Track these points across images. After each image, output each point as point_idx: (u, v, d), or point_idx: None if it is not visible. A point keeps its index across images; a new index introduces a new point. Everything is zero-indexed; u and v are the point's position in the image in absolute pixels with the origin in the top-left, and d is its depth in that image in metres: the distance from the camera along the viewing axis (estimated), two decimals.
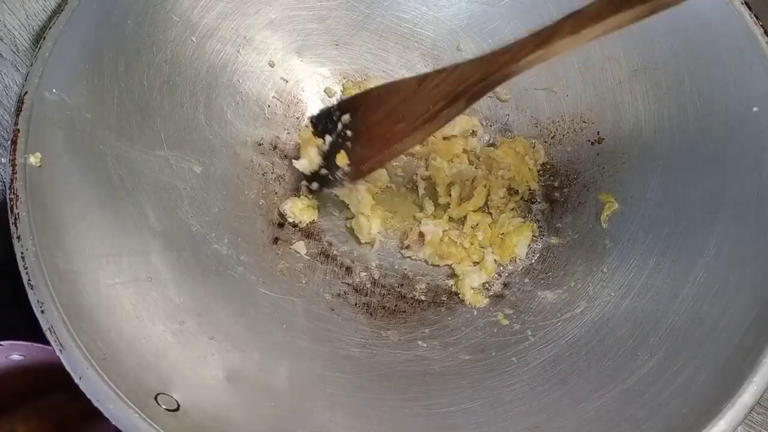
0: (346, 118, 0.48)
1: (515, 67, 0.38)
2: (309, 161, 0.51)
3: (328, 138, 0.50)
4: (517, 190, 0.54)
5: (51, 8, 0.49)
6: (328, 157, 0.50)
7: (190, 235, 0.46)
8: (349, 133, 0.48)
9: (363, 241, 0.53)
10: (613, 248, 0.48)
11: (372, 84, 0.57)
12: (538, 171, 0.55)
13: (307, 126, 0.52)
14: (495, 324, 0.48)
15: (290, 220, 0.52)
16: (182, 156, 0.48)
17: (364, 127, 0.48)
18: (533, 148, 0.55)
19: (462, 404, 0.41)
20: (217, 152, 0.51)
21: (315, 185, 0.52)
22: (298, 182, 0.53)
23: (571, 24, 0.35)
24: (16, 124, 0.38)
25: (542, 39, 0.36)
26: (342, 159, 0.48)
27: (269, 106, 0.55)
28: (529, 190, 0.55)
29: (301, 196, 0.53)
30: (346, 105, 0.50)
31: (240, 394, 0.39)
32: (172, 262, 0.43)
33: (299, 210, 0.52)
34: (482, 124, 0.57)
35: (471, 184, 0.53)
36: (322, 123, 0.50)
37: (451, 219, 0.54)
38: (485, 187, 0.53)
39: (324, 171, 0.50)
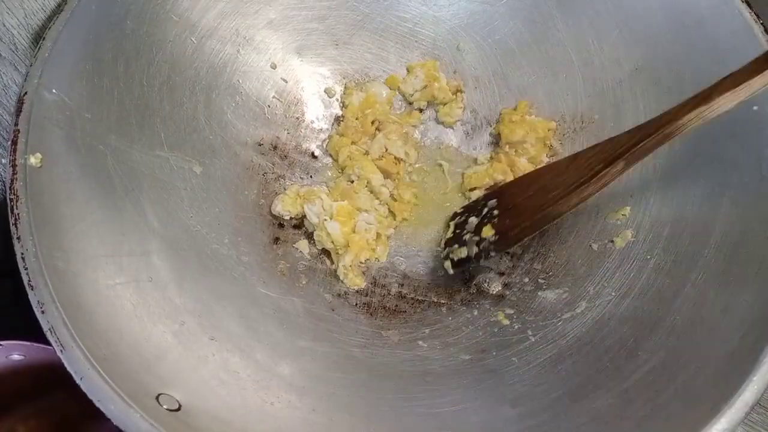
0: (492, 203, 0.48)
1: (674, 127, 0.37)
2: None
3: (473, 219, 0.49)
4: None
5: (50, 7, 0.49)
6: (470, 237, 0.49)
7: (190, 235, 0.46)
8: (495, 212, 0.47)
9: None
10: (614, 248, 0.48)
11: (374, 87, 0.57)
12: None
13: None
14: (495, 324, 0.48)
15: (286, 218, 0.52)
16: (182, 156, 0.48)
17: (513, 204, 0.47)
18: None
19: (463, 404, 0.41)
20: (217, 152, 0.51)
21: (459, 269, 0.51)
22: None
23: (730, 82, 0.35)
24: (16, 124, 0.38)
25: (701, 98, 0.36)
26: (488, 231, 0.47)
27: (269, 107, 0.55)
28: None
29: (286, 191, 0.53)
30: (492, 194, 0.50)
31: (241, 395, 0.39)
32: (172, 263, 0.43)
33: (290, 205, 0.52)
34: (481, 125, 0.58)
35: None
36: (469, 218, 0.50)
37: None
38: None
39: (465, 251, 0.49)
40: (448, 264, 0.50)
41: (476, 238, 0.48)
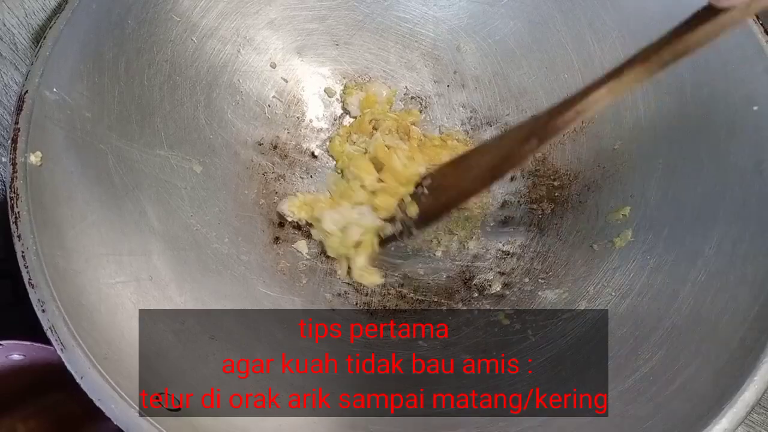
0: (426, 181, 0.49)
1: (586, 104, 0.37)
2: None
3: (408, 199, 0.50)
4: None
5: (50, 7, 0.49)
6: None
7: (190, 234, 0.46)
8: (425, 191, 0.48)
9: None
10: (614, 248, 0.48)
11: (374, 87, 0.57)
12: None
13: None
14: (496, 324, 0.48)
15: (290, 219, 0.52)
16: (182, 155, 0.48)
17: (439, 184, 0.48)
18: None
19: (463, 405, 0.41)
20: (218, 152, 0.51)
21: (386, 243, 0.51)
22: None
23: (641, 57, 0.34)
24: (16, 123, 0.38)
25: (613, 74, 0.35)
26: (412, 209, 0.48)
27: (269, 106, 0.55)
28: None
29: (297, 194, 0.53)
30: (429, 173, 0.50)
31: (241, 394, 0.39)
32: (172, 262, 0.43)
33: (297, 208, 0.52)
34: (481, 124, 0.58)
35: None
36: None
37: None
38: None
39: (391, 229, 0.50)
40: (375, 241, 0.51)
41: (402, 215, 0.49)
